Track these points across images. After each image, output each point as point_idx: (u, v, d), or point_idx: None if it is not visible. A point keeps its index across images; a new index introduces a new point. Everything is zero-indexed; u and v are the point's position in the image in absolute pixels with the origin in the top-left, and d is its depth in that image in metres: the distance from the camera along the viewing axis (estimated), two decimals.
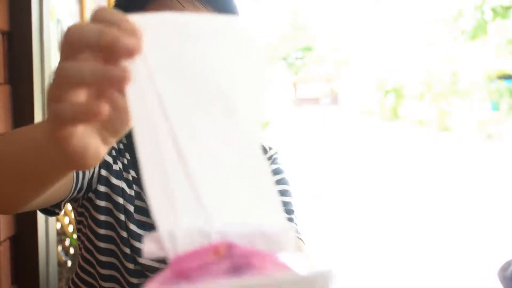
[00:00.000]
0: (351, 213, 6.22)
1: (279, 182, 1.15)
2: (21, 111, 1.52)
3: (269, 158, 1.17)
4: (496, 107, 15.97)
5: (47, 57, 1.57)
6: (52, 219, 1.59)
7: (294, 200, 1.16)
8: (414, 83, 19.72)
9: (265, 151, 1.18)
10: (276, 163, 1.16)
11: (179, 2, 0.93)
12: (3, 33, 1.49)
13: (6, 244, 1.49)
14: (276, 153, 1.18)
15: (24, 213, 1.52)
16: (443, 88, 17.97)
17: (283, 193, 1.14)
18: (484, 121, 15.13)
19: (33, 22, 1.51)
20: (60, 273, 2.06)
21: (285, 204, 1.13)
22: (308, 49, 34.71)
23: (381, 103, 23.40)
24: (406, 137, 15.53)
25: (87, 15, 2.89)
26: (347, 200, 6.96)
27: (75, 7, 2.74)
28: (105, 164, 0.98)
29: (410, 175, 8.65)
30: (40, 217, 1.53)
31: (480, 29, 17.61)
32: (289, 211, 1.13)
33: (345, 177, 8.68)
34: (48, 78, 1.58)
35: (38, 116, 1.53)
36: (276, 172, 1.15)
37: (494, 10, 17.41)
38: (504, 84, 16.21)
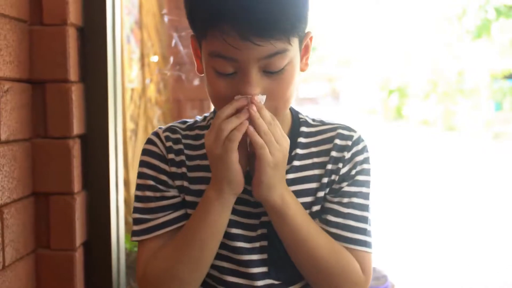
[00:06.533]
0: None
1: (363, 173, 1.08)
2: (94, 110, 1.44)
3: (355, 144, 1.09)
4: (499, 106, 15.93)
5: (119, 54, 1.50)
6: (122, 225, 1.52)
7: (370, 204, 1.11)
8: (419, 83, 19.62)
9: (350, 131, 1.10)
10: (367, 151, 1.11)
11: (229, 44, 0.83)
12: (77, 29, 1.41)
13: (81, 250, 1.42)
14: (363, 140, 1.11)
15: (96, 218, 1.45)
16: (448, 88, 17.91)
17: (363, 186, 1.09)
18: (490, 121, 15.08)
19: (107, 17, 1.43)
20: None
21: (362, 207, 1.07)
22: None
23: (384, 103, 23.30)
24: (411, 137, 15.45)
25: (120, 11, 2.82)
26: None
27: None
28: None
29: (415, 175, 8.58)
30: (113, 222, 1.46)
31: (483, 29, 17.56)
32: (365, 219, 1.07)
33: None
34: (120, 76, 1.50)
35: (111, 115, 1.46)
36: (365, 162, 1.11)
37: (497, 10, 17.37)
38: (507, 83, 16.17)
